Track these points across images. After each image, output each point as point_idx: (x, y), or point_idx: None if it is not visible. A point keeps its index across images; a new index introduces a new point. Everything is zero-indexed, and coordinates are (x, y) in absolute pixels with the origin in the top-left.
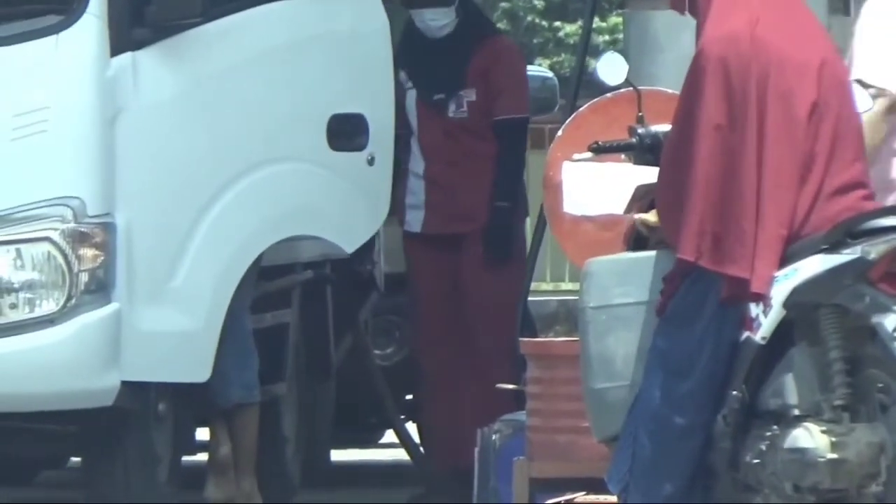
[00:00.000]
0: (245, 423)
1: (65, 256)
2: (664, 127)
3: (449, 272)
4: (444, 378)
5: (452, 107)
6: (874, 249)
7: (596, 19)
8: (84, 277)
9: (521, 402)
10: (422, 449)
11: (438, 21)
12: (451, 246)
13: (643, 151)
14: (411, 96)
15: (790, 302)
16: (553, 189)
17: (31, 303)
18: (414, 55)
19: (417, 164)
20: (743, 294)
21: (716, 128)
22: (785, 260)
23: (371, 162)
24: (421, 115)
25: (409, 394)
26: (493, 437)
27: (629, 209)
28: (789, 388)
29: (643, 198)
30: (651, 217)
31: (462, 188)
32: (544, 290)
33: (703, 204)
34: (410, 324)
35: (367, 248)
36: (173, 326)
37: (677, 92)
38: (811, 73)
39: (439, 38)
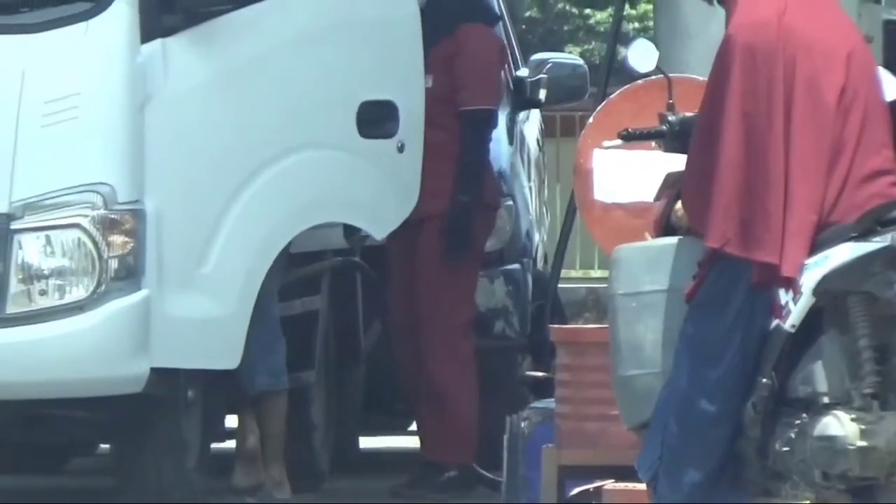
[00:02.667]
0: (273, 410)
1: (94, 243)
2: (694, 114)
3: (407, 257)
4: (414, 367)
5: None
6: None
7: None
8: (114, 264)
9: (545, 390)
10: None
11: None
12: (410, 231)
13: (673, 139)
14: None
15: (819, 289)
16: (583, 176)
17: (60, 289)
18: None
19: None
20: (773, 279)
21: (743, 114)
22: (814, 247)
23: (401, 149)
24: None
25: None
26: (523, 424)
27: (659, 196)
28: (819, 376)
29: (673, 185)
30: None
31: None
32: (574, 277)
33: (731, 190)
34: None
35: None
36: (203, 313)
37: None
38: (839, 61)
39: None
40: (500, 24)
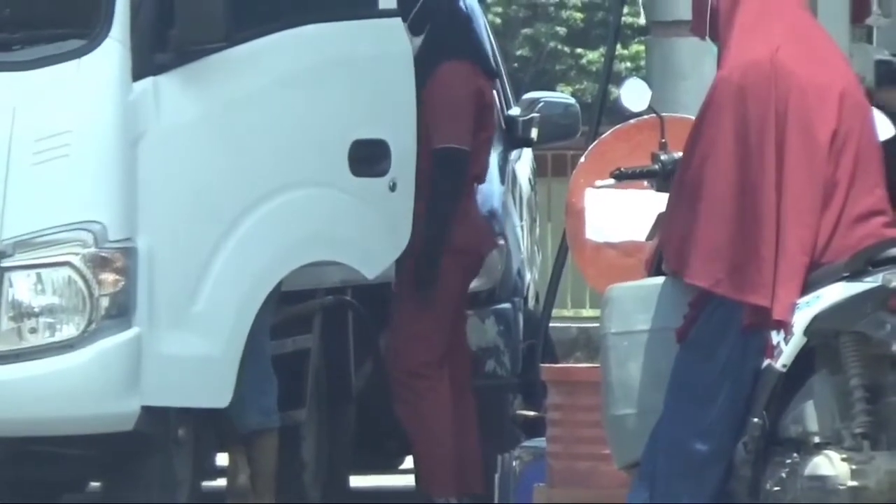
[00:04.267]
0: (263, 448)
1: (85, 281)
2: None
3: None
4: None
5: None
6: (895, 277)
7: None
8: (105, 302)
9: (537, 429)
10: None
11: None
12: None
13: (666, 178)
14: None
15: (811, 329)
16: (575, 215)
17: (51, 327)
18: None
19: None
20: (764, 322)
21: (733, 154)
22: (806, 287)
23: (393, 188)
24: None
25: None
26: (514, 462)
27: (651, 236)
28: (810, 416)
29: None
30: None
31: None
32: (565, 316)
33: (720, 230)
34: None
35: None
36: (194, 351)
37: None
38: (832, 100)
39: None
40: (485, 60)
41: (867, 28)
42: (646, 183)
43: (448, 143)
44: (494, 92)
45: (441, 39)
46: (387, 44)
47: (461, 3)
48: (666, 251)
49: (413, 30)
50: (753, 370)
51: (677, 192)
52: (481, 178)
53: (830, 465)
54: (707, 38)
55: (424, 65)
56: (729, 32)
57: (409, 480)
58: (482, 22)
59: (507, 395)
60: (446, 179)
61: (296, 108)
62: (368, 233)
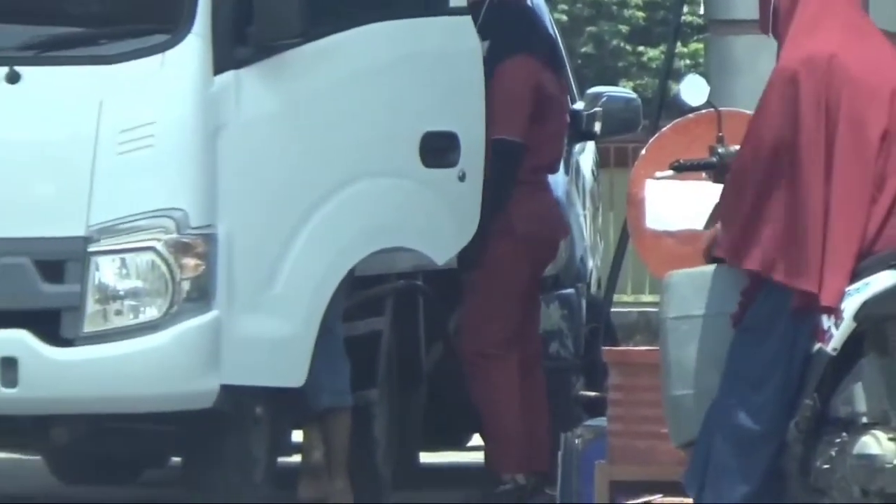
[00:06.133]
0: (337, 426)
1: (168, 266)
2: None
3: None
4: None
5: None
6: None
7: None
8: (186, 286)
9: (598, 408)
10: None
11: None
12: None
13: (722, 170)
14: None
15: (861, 315)
16: (636, 205)
17: (135, 310)
18: None
19: None
20: (813, 307)
21: (787, 148)
22: (856, 274)
23: (462, 178)
24: None
25: None
26: (576, 441)
27: (709, 225)
28: (859, 397)
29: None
30: None
31: None
32: (626, 301)
33: (772, 219)
34: None
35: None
36: (270, 333)
37: None
38: (884, 99)
39: None
40: (547, 54)
41: None
42: (703, 174)
43: (501, 135)
44: (560, 85)
45: (504, 38)
46: (457, 40)
47: (523, 3)
48: (722, 239)
49: (481, 34)
50: (805, 354)
51: (733, 179)
52: (549, 168)
53: (878, 444)
54: (770, 35)
55: (490, 61)
56: (787, 30)
57: (476, 457)
58: (548, 19)
59: (570, 377)
60: (497, 169)
61: (369, 101)
62: (438, 220)
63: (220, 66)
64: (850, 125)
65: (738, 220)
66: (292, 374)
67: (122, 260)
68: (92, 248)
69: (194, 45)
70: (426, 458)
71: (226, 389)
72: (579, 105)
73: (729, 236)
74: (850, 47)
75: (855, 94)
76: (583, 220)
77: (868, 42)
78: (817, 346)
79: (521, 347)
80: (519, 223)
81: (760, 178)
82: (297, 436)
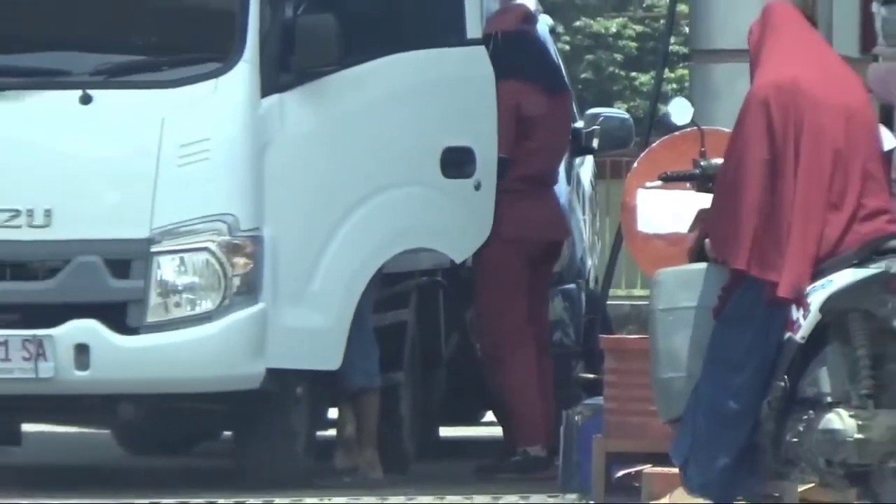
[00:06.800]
0: (367, 404)
1: (220, 264)
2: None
3: None
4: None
5: None
6: (895, 264)
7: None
8: (236, 282)
9: (596, 389)
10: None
11: None
12: None
13: (705, 181)
14: None
15: (825, 307)
16: (629, 211)
17: (191, 302)
18: None
19: None
20: (780, 297)
21: (761, 161)
22: (822, 272)
23: (478, 187)
24: None
25: None
26: (577, 417)
27: (693, 228)
28: (824, 380)
29: (705, 219)
30: None
31: None
32: (620, 295)
33: (752, 224)
34: None
35: None
36: (310, 323)
37: None
38: (841, 118)
39: None
40: (547, 78)
41: (873, 56)
42: (688, 185)
43: None
44: (552, 106)
45: (495, 65)
46: (473, 68)
47: (526, 35)
48: (711, 241)
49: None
50: (777, 342)
51: (718, 190)
52: (539, 178)
53: (840, 420)
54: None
55: None
56: (759, 60)
57: (488, 432)
58: (553, 49)
59: (571, 361)
60: None
61: (396, 120)
62: (457, 224)
63: (266, 89)
64: (812, 142)
65: (724, 226)
66: (329, 358)
67: (181, 259)
68: (154, 249)
69: (244, 72)
70: (445, 432)
71: (271, 372)
72: (580, 124)
73: (718, 239)
74: (812, 73)
75: (817, 114)
76: (583, 224)
77: (831, 69)
78: (788, 335)
79: (535, 334)
80: (503, 227)
81: (741, 189)
82: (333, 413)
